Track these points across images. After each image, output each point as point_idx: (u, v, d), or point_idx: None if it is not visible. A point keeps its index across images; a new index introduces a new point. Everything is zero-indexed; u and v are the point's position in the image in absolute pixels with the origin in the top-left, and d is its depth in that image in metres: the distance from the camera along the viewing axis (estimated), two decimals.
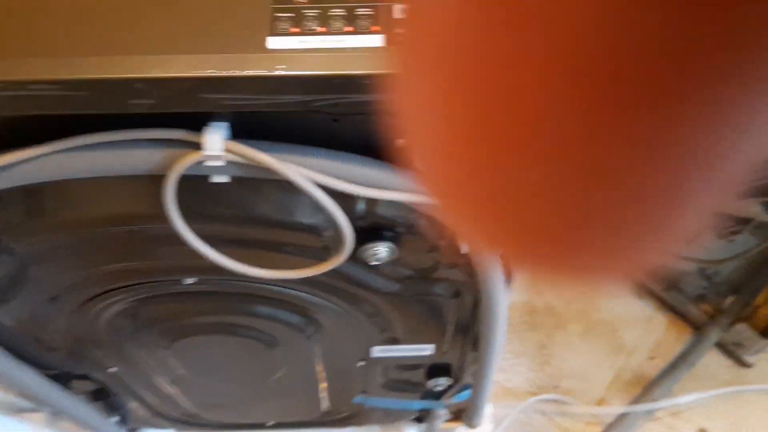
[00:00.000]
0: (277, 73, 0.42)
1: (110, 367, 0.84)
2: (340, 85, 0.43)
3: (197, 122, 0.47)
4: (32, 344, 0.75)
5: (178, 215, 0.50)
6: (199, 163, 0.47)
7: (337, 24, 0.44)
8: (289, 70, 0.42)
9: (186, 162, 0.47)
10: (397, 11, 0.44)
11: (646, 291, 1.44)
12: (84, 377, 0.88)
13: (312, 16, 0.44)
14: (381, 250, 0.58)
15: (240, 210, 0.56)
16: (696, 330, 1.41)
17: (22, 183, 0.49)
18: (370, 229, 0.58)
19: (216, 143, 0.46)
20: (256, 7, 0.45)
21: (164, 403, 0.99)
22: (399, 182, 0.51)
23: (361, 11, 0.44)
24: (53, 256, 0.60)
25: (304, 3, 0.45)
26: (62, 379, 0.85)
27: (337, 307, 0.70)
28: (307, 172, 0.48)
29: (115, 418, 0.99)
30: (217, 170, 0.48)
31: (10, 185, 0.49)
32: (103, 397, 0.94)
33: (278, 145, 0.49)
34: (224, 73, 0.42)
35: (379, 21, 0.44)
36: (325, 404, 1.00)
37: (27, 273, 0.62)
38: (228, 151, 0.46)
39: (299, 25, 0.44)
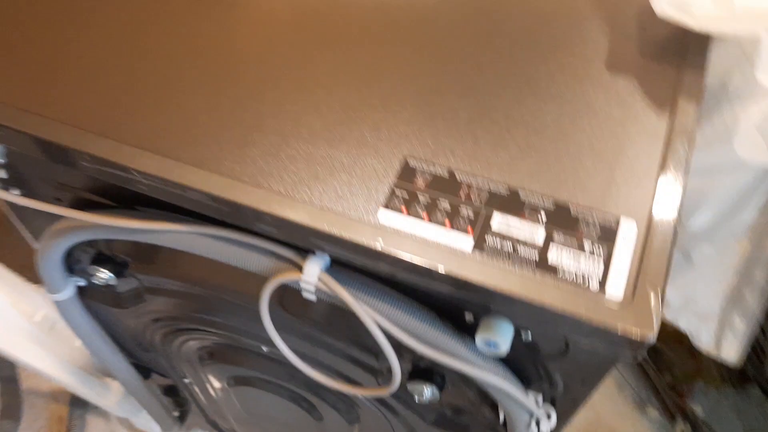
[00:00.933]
0: (374, 245, 0.49)
1: (186, 378, 0.95)
2: (423, 273, 0.49)
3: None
4: (132, 342, 0.88)
5: (267, 313, 0.59)
6: (296, 280, 0.56)
7: (439, 216, 0.51)
8: (385, 247, 0.49)
9: (286, 277, 0.55)
10: (496, 223, 0.51)
11: None
12: (163, 375, 1.00)
13: (423, 202, 0.51)
14: (426, 392, 0.64)
15: (318, 318, 0.65)
16: None
17: (161, 244, 0.60)
18: (423, 369, 0.65)
19: (313, 272, 0.54)
20: (383, 178, 0.53)
21: (218, 416, 1.10)
22: (457, 350, 0.57)
23: (463, 211, 0.51)
24: (165, 294, 0.71)
25: (421, 188, 0.52)
26: (146, 370, 0.98)
27: (378, 411, 0.77)
28: (378, 317, 0.55)
29: (176, 413, 1.11)
30: (309, 290, 0.57)
31: (149, 242, 0.60)
32: (173, 393, 1.06)
33: (363, 284, 0.56)
34: (332, 231, 0.50)
35: (475, 225, 0.50)
36: None
37: (142, 296, 0.73)
38: (320, 280, 0.55)
39: (409, 206, 0.51)
